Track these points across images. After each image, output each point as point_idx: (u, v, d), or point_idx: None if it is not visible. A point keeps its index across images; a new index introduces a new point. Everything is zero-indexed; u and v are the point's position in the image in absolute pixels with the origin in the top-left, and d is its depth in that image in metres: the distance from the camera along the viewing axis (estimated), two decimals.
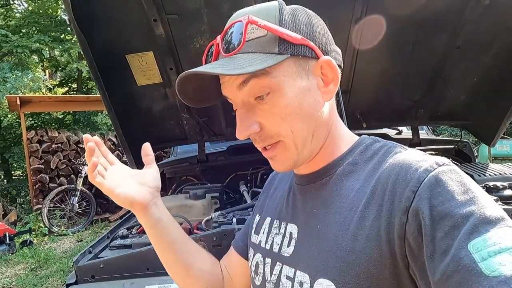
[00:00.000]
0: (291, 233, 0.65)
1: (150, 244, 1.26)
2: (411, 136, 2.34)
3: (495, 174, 1.59)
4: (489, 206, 0.46)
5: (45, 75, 11.83)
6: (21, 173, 8.87)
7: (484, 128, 2.15)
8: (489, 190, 1.41)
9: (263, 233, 0.73)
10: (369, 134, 0.68)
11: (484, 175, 1.59)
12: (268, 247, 0.69)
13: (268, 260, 0.68)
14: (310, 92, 0.59)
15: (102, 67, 1.63)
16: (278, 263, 0.65)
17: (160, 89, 1.93)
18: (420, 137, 2.35)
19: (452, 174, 0.50)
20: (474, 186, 0.49)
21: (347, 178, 0.61)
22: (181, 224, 1.44)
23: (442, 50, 1.84)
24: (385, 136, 2.37)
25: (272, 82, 0.57)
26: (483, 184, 1.45)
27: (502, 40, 1.76)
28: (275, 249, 0.67)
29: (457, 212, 0.46)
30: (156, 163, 0.80)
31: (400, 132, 2.60)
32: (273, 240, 0.69)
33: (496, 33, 1.72)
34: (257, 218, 0.78)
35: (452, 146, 2.41)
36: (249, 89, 0.57)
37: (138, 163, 1.93)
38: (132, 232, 1.46)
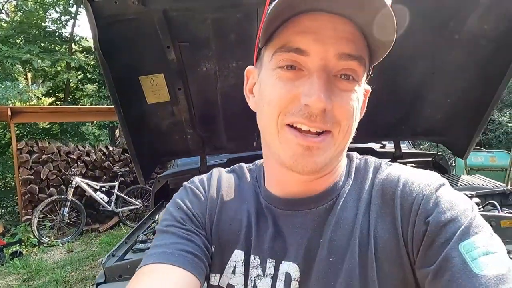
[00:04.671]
0: (287, 274, 0.55)
1: None
2: (393, 150, 2.58)
3: (465, 184, 1.83)
4: (477, 215, 0.52)
5: (31, 84, 11.74)
6: (5, 183, 8.72)
7: (457, 143, 2.40)
8: None
9: (240, 273, 0.58)
10: (356, 148, 0.78)
11: (456, 185, 1.83)
12: None
13: None
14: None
15: (118, 88, 1.79)
16: None
17: (167, 107, 2.10)
18: (402, 150, 2.59)
19: (447, 188, 0.57)
20: (464, 198, 0.55)
21: (346, 203, 0.59)
22: None
23: (421, 75, 2.09)
24: (370, 150, 2.62)
25: (361, 74, 0.54)
26: None
27: (470, 71, 2.01)
28: None
29: (455, 220, 0.50)
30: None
31: (384, 146, 2.84)
32: (254, 284, 0.57)
33: (464, 64, 1.98)
34: (212, 248, 0.61)
35: (430, 159, 2.66)
36: (346, 65, 0.52)
37: (146, 173, 2.08)
38: (150, 238, 1.62)
